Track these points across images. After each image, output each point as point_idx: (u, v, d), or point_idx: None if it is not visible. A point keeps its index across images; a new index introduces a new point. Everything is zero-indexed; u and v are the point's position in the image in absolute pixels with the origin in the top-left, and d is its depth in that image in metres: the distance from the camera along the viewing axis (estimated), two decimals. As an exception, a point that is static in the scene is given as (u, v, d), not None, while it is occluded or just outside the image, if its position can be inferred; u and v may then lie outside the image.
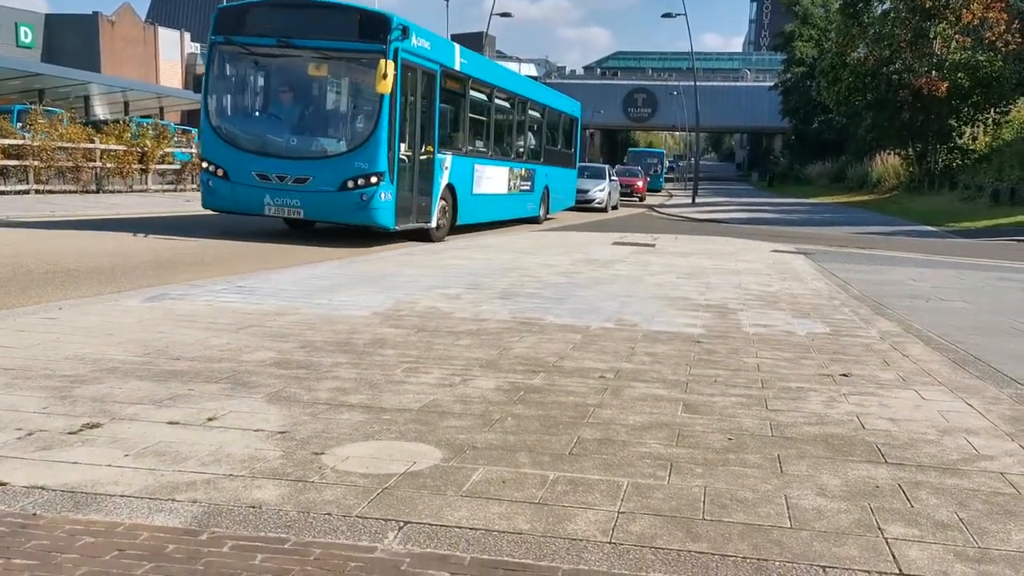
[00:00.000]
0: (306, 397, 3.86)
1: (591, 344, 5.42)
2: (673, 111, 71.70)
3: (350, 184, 11.69)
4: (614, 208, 30.30)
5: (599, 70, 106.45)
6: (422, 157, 12.93)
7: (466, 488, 2.84)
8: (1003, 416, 4.06)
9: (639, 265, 10.75)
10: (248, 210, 12.21)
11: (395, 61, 11.57)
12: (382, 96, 11.52)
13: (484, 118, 16.38)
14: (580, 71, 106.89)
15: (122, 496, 2.66)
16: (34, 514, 2.51)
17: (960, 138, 38.72)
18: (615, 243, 14.43)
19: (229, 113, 12.76)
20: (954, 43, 36.47)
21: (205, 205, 12.58)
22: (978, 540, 2.60)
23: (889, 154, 44.61)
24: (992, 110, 37.39)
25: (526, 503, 2.74)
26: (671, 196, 48.26)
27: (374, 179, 11.67)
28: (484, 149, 16.33)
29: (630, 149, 68.97)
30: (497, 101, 16.87)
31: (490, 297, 7.27)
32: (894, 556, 2.46)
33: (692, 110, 45.18)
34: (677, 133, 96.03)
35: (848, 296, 8.60)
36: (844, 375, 4.84)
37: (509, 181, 17.74)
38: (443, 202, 13.92)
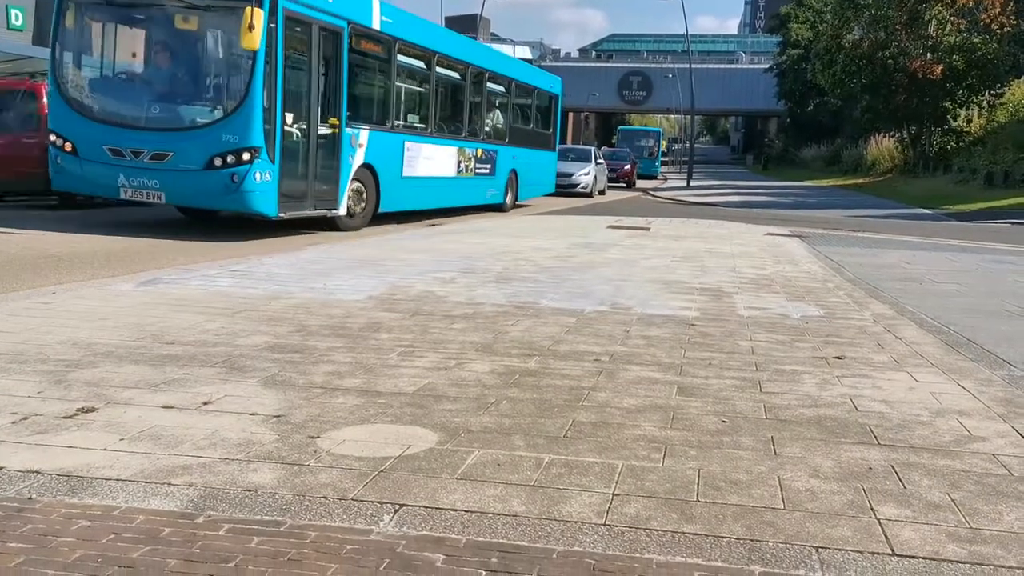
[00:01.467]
0: (301, 381, 3.86)
1: (586, 327, 5.42)
2: (668, 94, 71.46)
3: (217, 161, 9.70)
4: (601, 193, 29.21)
5: (594, 53, 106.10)
6: (323, 131, 11.00)
7: (461, 471, 2.85)
8: (995, 398, 4.08)
9: (634, 249, 10.76)
10: (100, 192, 10.64)
11: (270, 11, 9.67)
12: (254, 54, 9.59)
13: (421, 89, 14.36)
14: (575, 54, 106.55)
15: (118, 480, 2.66)
16: (30, 498, 2.51)
17: (955, 121, 38.69)
18: (610, 227, 14.42)
19: (78, 76, 10.80)
20: (949, 25, 36.37)
21: (55, 186, 10.91)
22: (970, 520, 2.62)
23: (884, 137, 44.59)
24: (987, 92, 37.36)
25: (521, 486, 2.75)
26: (666, 180, 48.22)
27: (246, 155, 9.68)
28: (422, 125, 14.30)
29: (619, 128, 59.08)
30: (440, 71, 14.65)
31: (485, 281, 7.27)
32: (887, 537, 2.48)
33: (687, 93, 44.95)
34: (672, 116, 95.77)
35: (842, 279, 8.61)
36: (838, 358, 4.85)
37: (459, 163, 15.54)
38: (357, 184, 11.94)
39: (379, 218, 12.77)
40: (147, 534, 2.31)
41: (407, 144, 13.47)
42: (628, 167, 37.96)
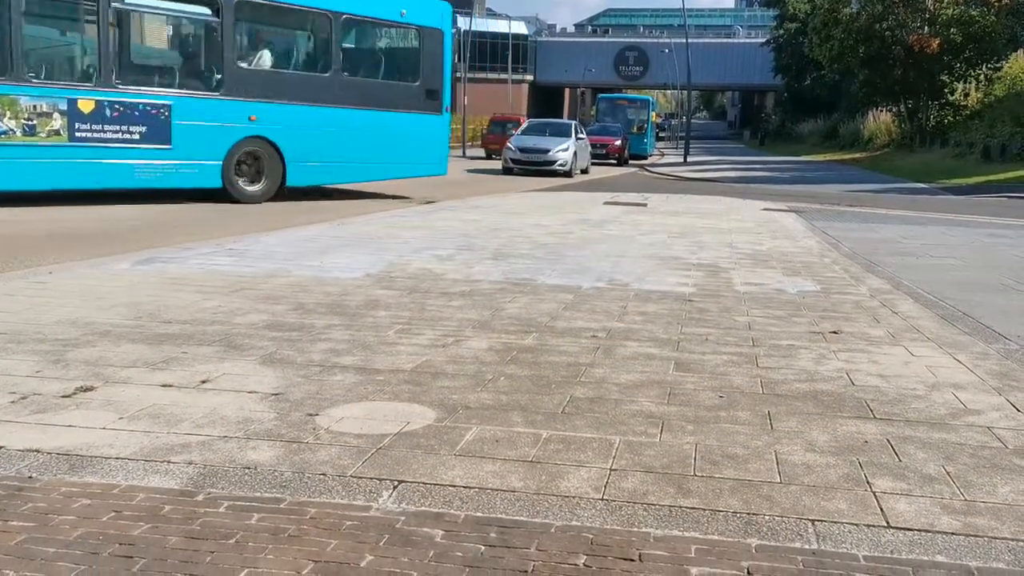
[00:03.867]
0: (299, 359, 3.87)
1: (583, 304, 5.43)
2: (665, 69, 70.99)
3: None
4: (583, 171, 25.92)
5: (590, 28, 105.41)
6: None
7: (460, 447, 2.86)
8: (990, 371, 4.10)
9: (630, 225, 10.74)
10: None
11: None
12: None
13: None
14: (571, 29, 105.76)
15: (117, 458, 2.67)
16: (30, 477, 2.52)
17: (952, 94, 38.52)
18: (606, 203, 14.39)
19: None
20: (947, -2, 36.14)
21: None
22: (964, 493, 2.64)
23: (881, 111, 44.42)
24: (984, 66, 37.18)
25: (519, 461, 2.76)
26: (663, 155, 48.06)
27: None
28: None
29: (600, 96, 48.59)
30: None
31: (482, 258, 7.27)
32: (882, 509, 2.50)
33: (684, 68, 44.62)
34: (668, 92, 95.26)
35: (839, 254, 8.62)
36: (834, 332, 4.87)
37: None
38: None
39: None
40: (147, 512, 2.32)
41: None
42: (619, 142, 35.17)
